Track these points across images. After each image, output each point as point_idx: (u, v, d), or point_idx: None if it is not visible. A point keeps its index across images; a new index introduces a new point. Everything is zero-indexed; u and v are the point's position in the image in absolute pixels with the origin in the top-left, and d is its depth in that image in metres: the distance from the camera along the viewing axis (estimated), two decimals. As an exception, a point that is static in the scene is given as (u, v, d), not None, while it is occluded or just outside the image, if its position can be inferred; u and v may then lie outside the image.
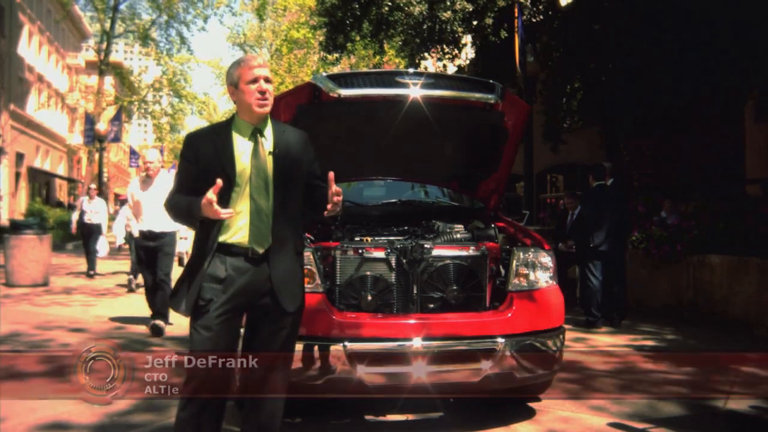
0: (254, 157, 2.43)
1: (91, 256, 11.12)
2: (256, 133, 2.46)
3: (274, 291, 2.43)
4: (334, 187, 2.38)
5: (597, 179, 6.89)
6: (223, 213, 2.28)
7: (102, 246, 10.47)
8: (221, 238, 2.41)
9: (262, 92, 2.42)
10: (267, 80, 2.44)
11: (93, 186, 12.33)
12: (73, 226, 11.75)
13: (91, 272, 11.12)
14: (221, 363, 2.41)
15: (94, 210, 11.17)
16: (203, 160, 2.42)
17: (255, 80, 2.42)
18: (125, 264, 11.66)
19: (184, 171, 2.48)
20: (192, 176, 2.44)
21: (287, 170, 2.46)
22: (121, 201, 12.95)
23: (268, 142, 2.48)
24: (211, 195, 2.25)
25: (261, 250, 2.42)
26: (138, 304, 7.82)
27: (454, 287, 3.49)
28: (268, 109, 2.46)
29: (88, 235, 11.22)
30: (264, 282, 2.43)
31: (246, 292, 2.42)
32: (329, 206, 2.40)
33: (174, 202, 2.46)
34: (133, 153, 35.45)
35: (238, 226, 2.41)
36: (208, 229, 2.40)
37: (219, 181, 2.28)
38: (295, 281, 2.52)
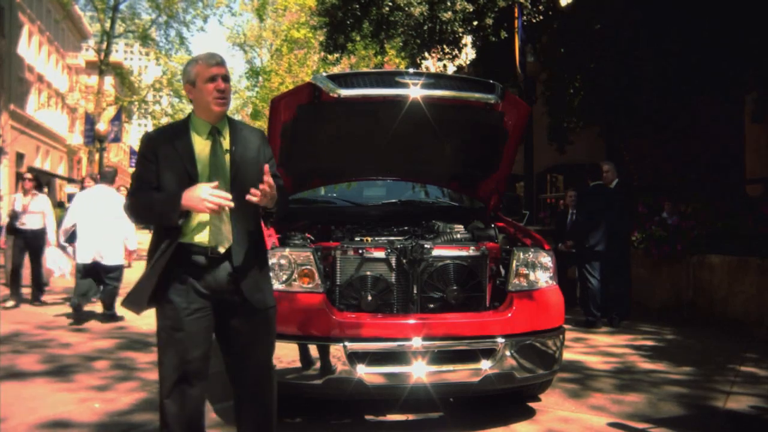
0: (212, 155, 2.42)
1: (38, 279, 7.89)
2: (214, 132, 2.45)
3: (241, 289, 2.41)
4: (268, 178, 2.30)
5: (593, 179, 6.91)
6: (221, 195, 2.24)
7: (55, 260, 7.53)
8: (181, 239, 2.37)
9: (221, 91, 2.40)
10: (225, 78, 2.42)
11: (28, 176, 8.12)
12: (1, 236, 8.20)
13: (36, 302, 7.84)
14: (195, 362, 2.38)
15: (33, 210, 7.70)
16: (163, 159, 2.40)
17: (213, 78, 2.39)
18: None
19: (145, 170, 2.42)
20: (153, 175, 2.40)
21: (244, 168, 2.44)
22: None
23: (225, 140, 2.47)
24: (210, 184, 2.26)
25: (222, 249, 2.40)
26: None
27: (454, 287, 3.49)
28: (226, 107, 2.45)
29: (23, 247, 7.73)
30: (228, 281, 2.41)
31: (211, 291, 2.39)
32: (257, 194, 2.26)
33: (142, 199, 2.41)
34: (133, 153, 35.44)
35: (197, 226, 2.39)
36: (167, 230, 2.37)
37: (216, 183, 2.29)
38: (261, 279, 2.50)
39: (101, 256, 6.51)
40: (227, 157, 2.44)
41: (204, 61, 2.42)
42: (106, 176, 7.05)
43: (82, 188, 7.82)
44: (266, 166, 2.34)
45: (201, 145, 2.43)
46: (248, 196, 2.27)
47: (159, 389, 2.42)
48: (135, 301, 2.41)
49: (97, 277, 6.66)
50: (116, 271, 6.66)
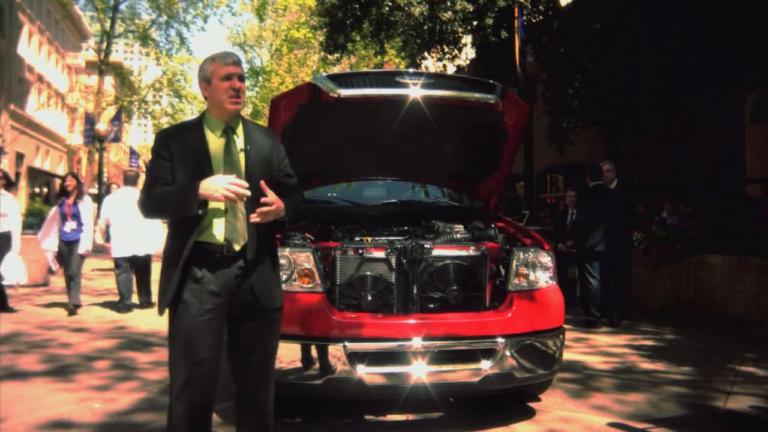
0: (227, 154, 2.43)
1: None
2: (227, 130, 2.46)
3: (253, 288, 2.42)
4: (269, 195, 2.32)
5: (593, 179, 6.92)
6: (239, 184, 2.26)
7: (13, 269, 6.95)
8: (196, 238, 2.38)
9: (236, 89, 2.41)
10: (241, 78, 2.43)
11: None
12: None
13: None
14: (205, 363, 2.37)
15: (1, 210, 6.99)
16: (177, 156, 2.41)
17: (228, 77, 2.40)
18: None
19: (159, 168, 2.43)
20: (167, 172, 2.41)
21: (258, 167, 2.45)
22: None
23: (239, 139, 2.48)
24: (228, 176, 2.30)
25: (237, 248, 2.41)
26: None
27: (454, 287, 3.49)
28: (240, 106, 2.46)
29: None
30: (241, 280, 2.42)
31: (224, 290, 2.40)
32: (254, 216, 2.32)
33: (157, 193, 2.40)
34: (133, 153, 35.37)
35: (213, 225, 2.39)
36: (183, 229, 2.38)
37: (234, 175, 2.32)
38: (273, 278, 2.51)
39: (137, 249, 7.53)
40: (241, 155, 2.46)
41: (220, 60, 2.44)
42: (129, 179, 8.00)
43: (62, 186, 7.54)
44: (262, 182, 2.34)
45: (215, 143, 2.45)
46: (252, 218, 2.32)
47: (169, 389, 2.42)
48: (159, 302, 2.45)
49: (135, 268, 7.74)
50: (148, 260, 7.76)
